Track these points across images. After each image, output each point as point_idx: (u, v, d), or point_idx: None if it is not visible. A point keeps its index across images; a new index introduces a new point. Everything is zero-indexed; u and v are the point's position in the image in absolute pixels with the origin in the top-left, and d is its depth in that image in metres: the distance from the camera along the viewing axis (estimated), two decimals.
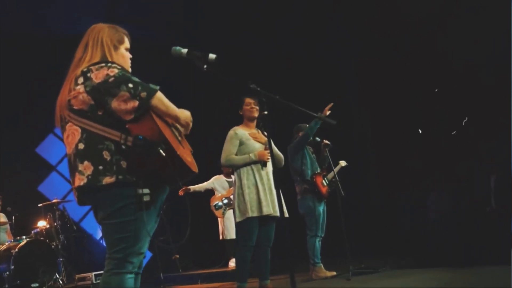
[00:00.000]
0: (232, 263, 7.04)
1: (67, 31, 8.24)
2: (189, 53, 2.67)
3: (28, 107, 8.63)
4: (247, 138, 4.18)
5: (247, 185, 4.03)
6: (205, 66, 2.65)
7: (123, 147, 2.13)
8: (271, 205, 4.02)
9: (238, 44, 8.85)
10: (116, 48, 2.38)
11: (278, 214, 3.90)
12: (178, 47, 2.71)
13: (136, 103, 2.12)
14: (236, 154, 4.17)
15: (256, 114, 4.26)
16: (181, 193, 7.29)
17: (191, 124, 2.41)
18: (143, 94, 2.14)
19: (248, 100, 4.29)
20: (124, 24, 2.57)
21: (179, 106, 2.35)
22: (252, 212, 3.97)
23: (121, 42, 2.43)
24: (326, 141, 5.70)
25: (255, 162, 4.08)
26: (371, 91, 9.00)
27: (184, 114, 2.36)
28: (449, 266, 4.82)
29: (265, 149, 4.12)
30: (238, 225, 4.08)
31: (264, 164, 4.11)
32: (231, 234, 6.86)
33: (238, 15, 8.57)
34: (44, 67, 8.26)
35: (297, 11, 8.54)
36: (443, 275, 4.55)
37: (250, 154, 4.07)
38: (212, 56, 2.63)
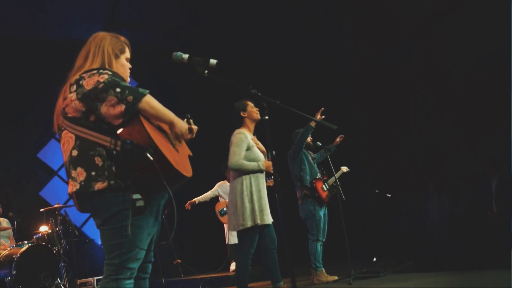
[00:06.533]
0: (233, 267, 7.06)
1: (68, 36, 8.30)
2: (190, 58, 2.67)
3: (29, 112, 8.67)
4: (252, 144, 4.05)
5: (255, 192, 3.96)
6: (206, 72, 2.65)
7: (114, 152, 2.12)
8: (269, 214, 4.05)
9: (237, 49, 8.89)
10: (117, 57, 2.40)
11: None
12: (179, 53, 2.71)
13: (123, 107, 2.12)
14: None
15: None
16: (187, 206, 7.38)
17: (185, 135, 2.38)
18: (130, 98, 2.13)
19: (251, 103, 4.17)
20: (124, 29, 2.59)
21: (180, 110, 2.35)
22: (262, 220, 3.92)
23: (122, 51, 2.44)
24: (327, 147, 5.76)
25: (260, 171, 4.01)
26: (370, 96, 9.02)
27: (180, 123, 2.33)
28: (450, 270, 4.83)
29: (268, 159, 4.07)
30: (242, 232, 3.95)
31: (267, 175, 4.09)
32: (235, 239, 6.88)
33: (238, 21, 8.61)
34: (45, 72, 8.29)
35: (297, 17, 8.58)
36: (444, 279, 4.55)
37: (259, 163, 3.97)
38: (213, 61, 2.63)
